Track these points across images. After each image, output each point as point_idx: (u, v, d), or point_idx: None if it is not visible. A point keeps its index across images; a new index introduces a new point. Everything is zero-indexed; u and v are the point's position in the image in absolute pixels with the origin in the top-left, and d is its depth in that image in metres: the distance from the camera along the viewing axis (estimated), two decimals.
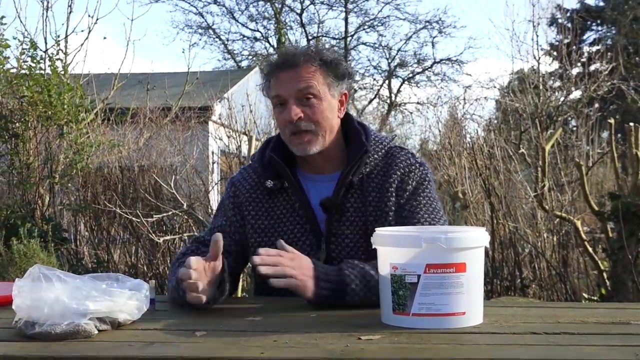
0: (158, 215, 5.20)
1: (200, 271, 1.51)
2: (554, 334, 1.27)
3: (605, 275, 4.78)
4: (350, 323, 1.38)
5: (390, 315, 1.37)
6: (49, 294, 1.29)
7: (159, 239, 5.06)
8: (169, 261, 5.44)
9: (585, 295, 4.92)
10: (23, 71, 5.81)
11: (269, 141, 1.94)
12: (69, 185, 5.86)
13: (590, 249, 4.91)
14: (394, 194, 1.80)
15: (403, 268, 1.35)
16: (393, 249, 1.37)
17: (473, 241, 1.37)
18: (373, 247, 1.43)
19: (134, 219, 5.20)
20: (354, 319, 1.44)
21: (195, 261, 1.51)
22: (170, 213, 5.24)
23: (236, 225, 1.87)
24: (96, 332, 1.30)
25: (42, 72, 5.89)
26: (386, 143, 1.87)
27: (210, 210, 5.57)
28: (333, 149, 1.84)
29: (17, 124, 5.73)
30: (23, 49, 5.90)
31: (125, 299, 1.36)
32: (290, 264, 1.53)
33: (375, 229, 1.47)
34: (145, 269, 5.55)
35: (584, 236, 4.96)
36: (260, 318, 1.46)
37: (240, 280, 2.84)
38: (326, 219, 1.80)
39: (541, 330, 1.30)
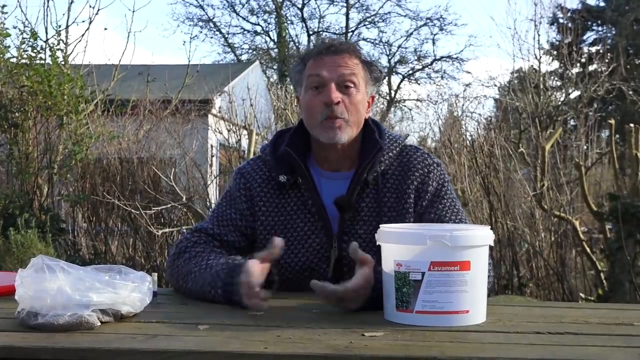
0: (157, 208, 5.20)
1: (259, 277, 1.50)
2: (557, 334, 1.27)
3: (602, 275, 4.79)
4: (353, 319, 1.38)
5: (394, 312, 1.37)
6: (52, 284, 1.28)
7: (157, 232, 5.05)
8: (166, 254, 5.43)
9: (582, 295, 4.93)
10: (23, 61, 5.78)
11: (281, 134, 1.88)
12: (68, 176, 5.85)
13: (588, 249, 4.92)
14: (413, 193, 1.77)
15: (407, 265, 1.34)
16: (397, 245, 1.37)
17: (478, 239, 1.37)
18: (377, 243, 1.42)
19: (132, 211, 5.19)
20: (357, 315, 1.43)
21: (258, 273, 1.50)
22: (169, 206, 5.24)
23: (248, 219, 1.81)
24: (99, 323, 1.29)
25: (43, 62, 5.86)
26: (400, 142, 1.84)
27: (209, 204, 5.56)
28: (352, 146, 1.80)
29: (16, 114, 5.71)
30: (23, 38, 5.86)
31: (129, 291, 1.35)
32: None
33: (380, 225, 1.45)
34: (142, 261, 5.55)
35: (582, 236, 4.96)
36: (262, 313, 1.45)
37: None
38: (339, 218, 1.75)
39: (544, 330, 1.30)
